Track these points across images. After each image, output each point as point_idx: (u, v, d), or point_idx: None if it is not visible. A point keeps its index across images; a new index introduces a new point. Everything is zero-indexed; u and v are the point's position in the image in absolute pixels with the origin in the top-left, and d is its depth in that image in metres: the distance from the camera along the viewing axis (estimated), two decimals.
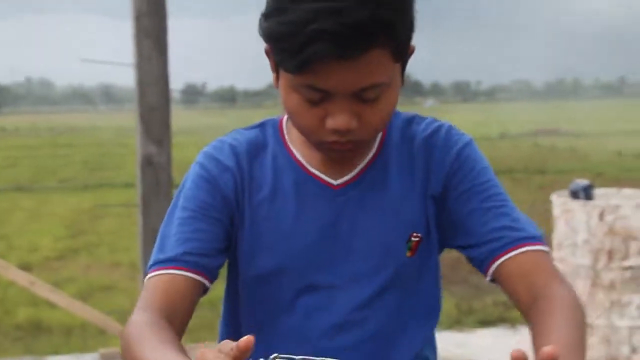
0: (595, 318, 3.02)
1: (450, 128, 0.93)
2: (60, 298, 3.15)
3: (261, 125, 0.95)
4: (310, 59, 0.71)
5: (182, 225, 0.86)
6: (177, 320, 0.82)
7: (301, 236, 0.88)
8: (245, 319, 0.95)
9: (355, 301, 0.89)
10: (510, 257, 0.84)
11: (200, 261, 0.84)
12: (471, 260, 0.90)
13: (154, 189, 3.54)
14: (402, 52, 0.78)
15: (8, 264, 3.20)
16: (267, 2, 0.77)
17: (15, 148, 23.58)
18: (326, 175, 0.89)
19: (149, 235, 3.50)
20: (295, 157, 0.90)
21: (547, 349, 0.55)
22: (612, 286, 3.01)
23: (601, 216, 3.01)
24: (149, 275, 0.84)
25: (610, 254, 3.01)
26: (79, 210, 10.49)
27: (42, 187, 14.12)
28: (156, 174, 3.52)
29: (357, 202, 0.89)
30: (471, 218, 0.88)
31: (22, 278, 3.16)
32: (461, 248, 0.90)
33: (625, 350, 3.02)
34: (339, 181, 0.89)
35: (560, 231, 3.16)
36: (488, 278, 0.87)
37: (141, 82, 3.39)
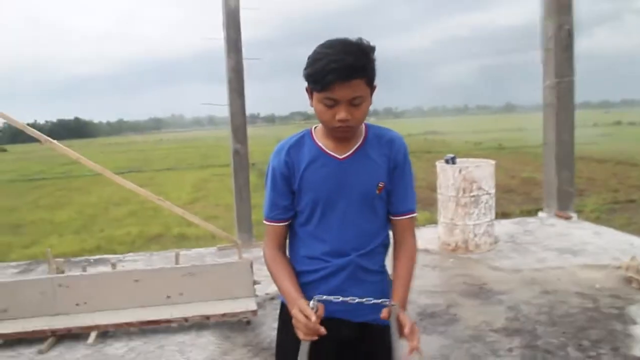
0: (458, 220, 6.09)
1: (400, 137, 1.76)
2: (198, 220, 6.29)
3: (302, 133, 1.76)
4: (328, 83, 1.51)
5: (271, 193, 1.74)
6: (283, 244, 1.79)
7: (325, 184, 1.68)
8: (299, 230, 1.77)
9: (353, 213, 1.70)
10: (398, 219, 1.76)
11: (283, 214, 1.75)
12: (387, 206, 1.76)
13: (239, 167, 6.68)
14: (371, 82, 1.58)
15: (171, 204, 6.32)
16: (307, 60, 1.57)
17: (166, 149, 46.83)
18: (336, 153, 1.68)
19: (238, 191, 6.66)
20: (319, 146, 1.70)
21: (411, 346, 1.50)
22: (465, 205, 6.02)
23: (460, 172, 6.03)
24: (265, 222, 1.77)
25: (464, 190, 6.01)
26: (199, 178, 20.99)
27: (179, 167, 28.28)
28: (240, 159, 6.66)
29: (351, 167, 1.68)
30: (397, 187, 1.74)
31: (177, 210, 6.30)
32: (388, 197, 1.75)
33: (471, 235, 6.09)
34: (343, 156, 1.68)
35: (440, 180, 6.20)
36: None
37: (232, 112, 6.52)
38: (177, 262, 4.48)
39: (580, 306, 4.32)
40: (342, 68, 1.51)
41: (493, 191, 6.17)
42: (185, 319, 4.06)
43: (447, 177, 6.08)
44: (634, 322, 3.95)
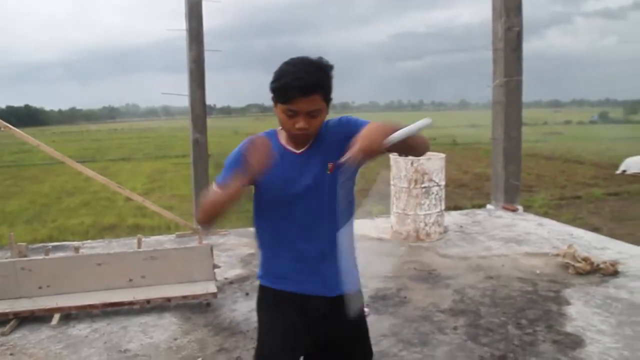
0: (409, 210, 6.38)
1: (344, 116, 1.94)
2: (157, 207, 6.39)
3: (268, 132, 1.96)
4: (290, 97, 1.74)
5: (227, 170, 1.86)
6: None
7: (285, 174, 1.87)
8: (261, 217, 1.97)
9: (311, 198, 1.87)
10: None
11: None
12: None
13: (198, 156, 6.79)
14: (327, 96, 1.80)
15: (131, 192, 6.39)
16: (274, 74, 1.79)
17: (120, 139, 44.87)
18: (294, 149, 1.90)
19: (197, 180, 6.77)
20: (282, 143, 1.91)
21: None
22: (416, 196, 6.33)
23: (412, 164, 6.32)
24: (215, 186, 1.85)
25: (416, 181, 6.32)
26: (154, 169, 20.43)
27: (134, 157, 28.28)
28: (200, 149, 6.77)
29: (306, 159, 1.88)
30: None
31: (137, 197, 6.38)
32: None
33: (422, 225, 6.39)
34: (299, 151, 1.89)
35: (394, 172, 6.47)
36: None
37: (193, 102, 6.62)
38: (139, 247, 4.59)
39: (520, 289, 4.64)
40: (302, 86, 1.74)
41: (443, 183, 6.48)
42: (148, 301, 4.19)
43: (399, 169, 6.35)
44: (568, 303, 4.29)
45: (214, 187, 1.87)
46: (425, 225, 6.35)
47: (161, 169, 24.66)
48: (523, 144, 7.86)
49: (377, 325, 3.94)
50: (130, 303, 4.17)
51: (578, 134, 47.63)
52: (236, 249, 6.07)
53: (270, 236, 1.98)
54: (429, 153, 6.84)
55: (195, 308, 4.34)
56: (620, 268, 4.92)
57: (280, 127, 1.93)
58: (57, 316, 4.07)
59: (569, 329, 3.83)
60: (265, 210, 1.97)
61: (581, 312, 4.11)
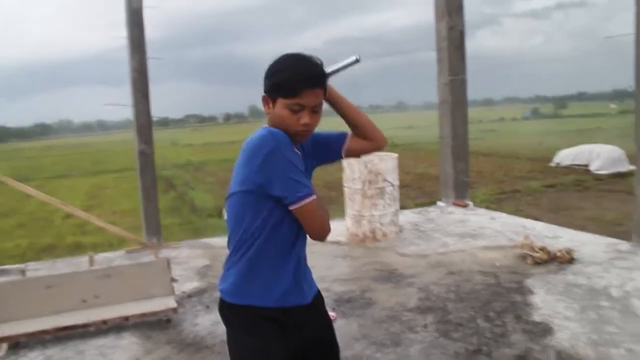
0: (365, 212, 6.35)
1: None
2: (105, 223, 6.11)
3: (272, 130, 1.72)
4: (298, 89, 1.67)
5: (297, 172, 1.67)
6: None
7: None
8: (266, 229, 1.73)
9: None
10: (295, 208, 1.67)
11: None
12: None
13: (145, 168, 6.55)
14: (325, 93, 1.77)
15: (74, 208, 6.08)
16: (269, 70, 1.73)
17: (55, 155, 44.74)
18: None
19: (145, 192, 6.53)
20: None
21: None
22: (371, 197, 6.31)
23: (365, 165, 6.30)
24: (311, 199, 1.67)
25: (370, 182, 6.31)
26: (93, 185, 19.91)
27: (71, 174, 27.90)
28: (146, 160, 6.53)
29: (304, 161, 1.79)
30: (324, 138, 1.92)
31: (82, 214, 6.08)
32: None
33: (378, 225, 6.38)
34: (298, 152, 1.75)
35: (347, 174, 6.44)
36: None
37: (137, 113, 6.38)
38: (91, 265, 4.34)
39: (483, 283, 4.67)
40: (311, 77, 1.70)
41: (397, 183, 6.49)
42: (104, 322, 3.95)
43: (353, 170, 6.32)
44: (532, 293, 4.34)
45: (310, 199, 1.69)
46: (382, 225, 6.33)
47: (100, 184, 23.91)
48: None
49: (346, 329, 3.86)
50: (85, 325, 3.92)
51: (512, 130, 49.30)
52: (190, 262, 5.86)
53: (273, 248, 1.76)
54: (381, 153, 6.86)
55: (155, 325, 4.13)
56: (575, 255, 5.03)
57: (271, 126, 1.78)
58: (4, 346, 3.78)
59: (536, 317, 3.86)
60: (275, 219, 1.74)
61: (545, 300, 4.16)
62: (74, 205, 15.02)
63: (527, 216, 7.81)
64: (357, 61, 1.85)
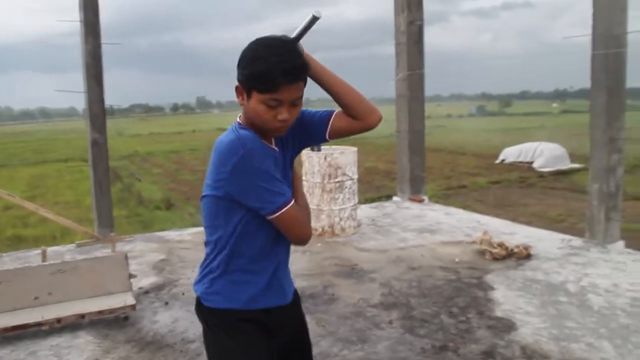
0: (324, 206, 6.32)
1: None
2: (54, 215, 5.83)
3: (240, 128, 1.62)
4: (277, 84, 1.49)
5: (273, 181, 1.56)
6: None
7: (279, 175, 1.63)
8: (246, 229, 1.63)
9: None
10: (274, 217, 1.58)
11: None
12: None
13: (98, 158, 6.29)
14: (306, 82, 1.58)
15: (22, 199, 5.78)
16: (242, 58, 1.55)
17: None
18: (269, 144, 1.65)
19: (97, 184, 6.28)
20: (259, 139, 1.59)
21: None
22: (330, 191, 6.28)
23: (325, 158, 6.26)
24: (287, 208, 1.55)
25: (330, 176, 6.26)
26: (34, 175, 19.47)
27: (10, 163, 26.57)
28: (99, 150, 6.28)
29: (283, 157, 1.70)
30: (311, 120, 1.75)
31: (30, 205, 5.78)
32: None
33: (337, 219, 6.35)
34: (275, 148, 1.68)
35: (306, 167, 6.37)
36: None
37: (90, 100, 6.11)
38: (43, 260, 4.13)
39: (444, 278, 4.71)
40: (292, 70, 1.52)
41: (356, 177, 6.48)
42: (58, 320, 3.76)
43: (312, 164, 6.26)
44: (492, 288, 4.40)
45: (286, 208, 1.58)
46: (340, 220, 6.30)
47: (41, 174, 23.01)
48: None
49: (311, 326, 3.77)
50: (38, 324, 3.72)
51: (459, 126, 50.39)
52: (145, 256, 5.68)
53: (251, 252, 1.68)
54: (341, 147, 6.84)
55: (113, 323, 3.96)
56: (531, 251, 5.14)
57: (243, 120, 1.66)
58: None
59: (498, 313, 3.92)
60: (251, 225, 1.65)
61: (506, 296, 4.23)
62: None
63: (474, 212, 7.94)
64: (316, 18, 1.62)
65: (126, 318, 4.01)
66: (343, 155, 6.25)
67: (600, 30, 4.98)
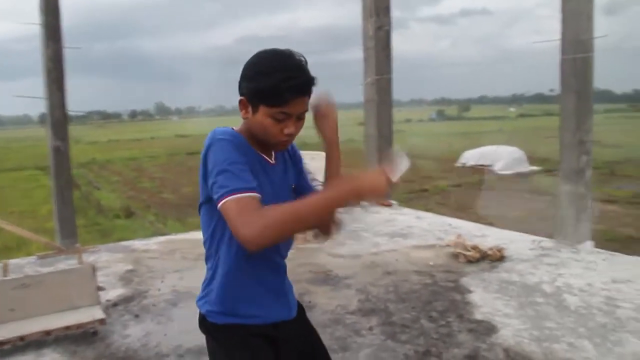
0: None
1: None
2: (11, 226, 5.57)
3: (230, 131, 1.55)
4: (286, 99, 1.46)
5: (237, 165, 1.44)
6: None
7: (274, 189, 1.60)
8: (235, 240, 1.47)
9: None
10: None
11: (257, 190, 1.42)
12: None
13: (59, 166, 6.06)
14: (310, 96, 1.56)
15: None
16: (248, 71, 1.52)
17: None
18: (267, 158, 1.63)
19: (59, 192, 6.05)
20: (255, 150, 1.59)
21: None
22: None
23: None
24: (240, 195, 1.37)
25: None
26: None
27: None
28: (61, 157, 6.05)
29: (282, 173, 1.68)
30: (304, 182, 1.84)
31: None
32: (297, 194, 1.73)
33: None
34: (273, 162, 1.65)
35: None
36: None
37: (51, 106, 5.88)
38: (5, 275, 3.91)
39: (421, 282, 4.68)
40: (301, 84, 1.51)
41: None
42: (21, 338, 3.55)
43: None
44: (469, 291, 4.39)
45: (238, 195, 1.39)
46: None
47: None
48: None
49: None
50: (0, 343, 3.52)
51: (419, 131, 51.04)
52: (112, 267, 5.48)
53: (241, 263, 1.61)
54: (312, 153, 6.76)
55: (80, 339, 3.78)
56: (505, 253, 5.16)
57: (236, 129, 1.61)
58: None
59: (478, 316, 3.90)
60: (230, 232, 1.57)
61: (484, 298, 4.22)
62: None
63: (443, 215, 7.99)
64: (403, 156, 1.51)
65: (95, 333, 3.83)
66: (314, 161, 6.12)
67: (569, 36, 5.06)
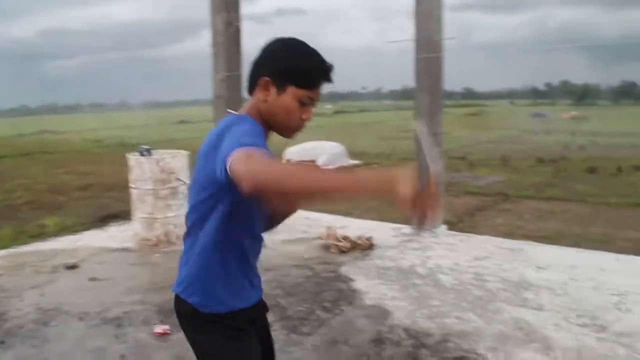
0: (158, 214, 5.90)
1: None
2: None
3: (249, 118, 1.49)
4: (318, 83, 1.51)
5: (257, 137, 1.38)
6: None
7: None
8: (230, 231, 1.56)
9: None
10: None
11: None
12: None
13: None
14: None
15: None
16: (279, 52, 1.51)
17: None
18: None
19: None
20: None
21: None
22: (164, 197, 5.86)
23: (157, 163, 5.86)
24: (254, 148, 1.26)
25: (163, 182, 5.87)
26: None
27: None
28: None
29: None
30: None
31: None
32: None
33: (172, 227, 5.97)
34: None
35: (136, 174, 5.87)
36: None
37: None
38: None
39: (302, 275, 4.76)
40: (330, 72, 1.55)
41: (189, 181, 6.20)
42: None
43: (143, 170, 5.83)
44: (352, 280, 4.58)
45: (250, 148, 1.26)
46: (175, 227, 5.95)
47: None
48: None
49: (185, 346, 3.55)
50: None
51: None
52: None
53: (234, 254, 1.63)
54: (172, 151, 6.48)
55: None
56: (373, 241, 5.46)
57: (249, 111, 1.56)
58: None
59: (368, 302, 4.09)
60: (241, 221, 1.58)
61: (368, 285, 4.44)
62: None
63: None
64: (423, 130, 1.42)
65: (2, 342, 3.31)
66: (175, 159, 5.94)
67: (422, 37, 5.49)
